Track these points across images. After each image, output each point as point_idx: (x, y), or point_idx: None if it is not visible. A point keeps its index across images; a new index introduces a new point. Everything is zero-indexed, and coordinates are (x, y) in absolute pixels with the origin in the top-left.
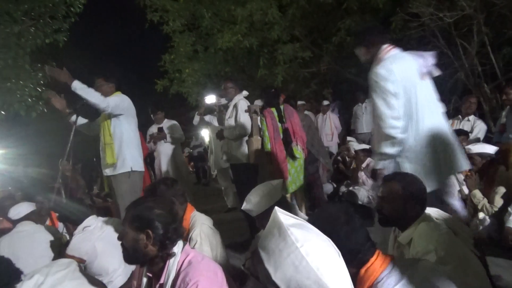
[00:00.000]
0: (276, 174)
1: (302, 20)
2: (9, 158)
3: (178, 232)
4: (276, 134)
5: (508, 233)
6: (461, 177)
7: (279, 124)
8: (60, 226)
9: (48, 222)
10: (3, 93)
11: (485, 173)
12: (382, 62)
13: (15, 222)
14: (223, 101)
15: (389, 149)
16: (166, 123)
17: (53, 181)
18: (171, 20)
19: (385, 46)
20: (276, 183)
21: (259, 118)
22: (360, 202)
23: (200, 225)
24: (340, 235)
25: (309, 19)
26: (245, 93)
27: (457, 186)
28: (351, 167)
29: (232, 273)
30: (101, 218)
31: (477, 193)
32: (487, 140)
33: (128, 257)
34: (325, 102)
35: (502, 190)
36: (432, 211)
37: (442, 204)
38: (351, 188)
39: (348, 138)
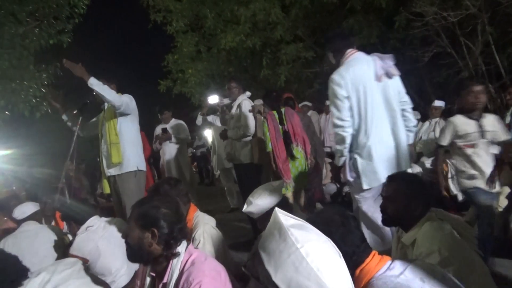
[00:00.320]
0: (278, 174)
1: (305, 20)
2: (14, 158)
3: (183, 232)
4: (278, 136)
5: None
6: None
7: (280, 126)
8: (64, 226)
9: (52, 223)
10: (7, 93)
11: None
12: (340, 67)
13: (19, 222)
14: (226, 101)
15: (339, 146)
16: (173, 123)
17: (57, 181)
18: (174, 21)
19: (349, 51)
20: (277, 185)
21: (262, 118)
22: None
23: (203, 225)
24: (336, 237)
25: (312, 19)
26: (248, 93)
27: None
28: None
29: (235, 273)
30: (104, 218)
31: None
32: None
33: (132, 255)
34: (328, 102)
35: (506, 190)
36: (436, 212)
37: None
38: None
39: None
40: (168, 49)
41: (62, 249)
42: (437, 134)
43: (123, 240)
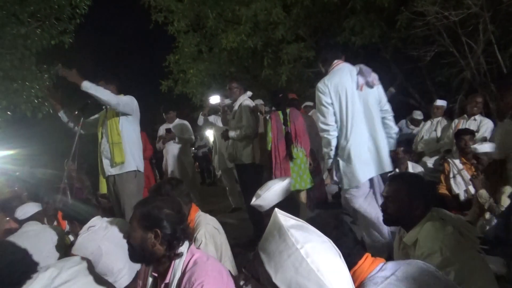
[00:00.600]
0: (278, 173)
1: (307, 20)
2: (16, 158)
3: (186, 232)
4: (280, 136)
5: None
6: (468, 176)
7: (283, 127)
8: (66, 226)
9: (54, 223)
10: (9, 94)
11: (492, 172)
12: (325, 76)
13: (21, 222)
14: (227, 101)
15: (325, 149)
16: (177, 123)
17: (59, 181)
18: (175, 21)
19: (335, 61)
20: (286, 180)
21: (267, 116)
22: None
23: (205, 225)
24: (330, 239)
25: (314, 19)
26: (249, 93)
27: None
28: None
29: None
30: (105, 219)
31: (484, 193)
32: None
33: (135, 256)
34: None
35: (508, 189)
36: (437, 211)
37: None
38: None
39: None
40: (169, 49)
41: (64, 249)
42: (439, 134)
43: (125, 241)
